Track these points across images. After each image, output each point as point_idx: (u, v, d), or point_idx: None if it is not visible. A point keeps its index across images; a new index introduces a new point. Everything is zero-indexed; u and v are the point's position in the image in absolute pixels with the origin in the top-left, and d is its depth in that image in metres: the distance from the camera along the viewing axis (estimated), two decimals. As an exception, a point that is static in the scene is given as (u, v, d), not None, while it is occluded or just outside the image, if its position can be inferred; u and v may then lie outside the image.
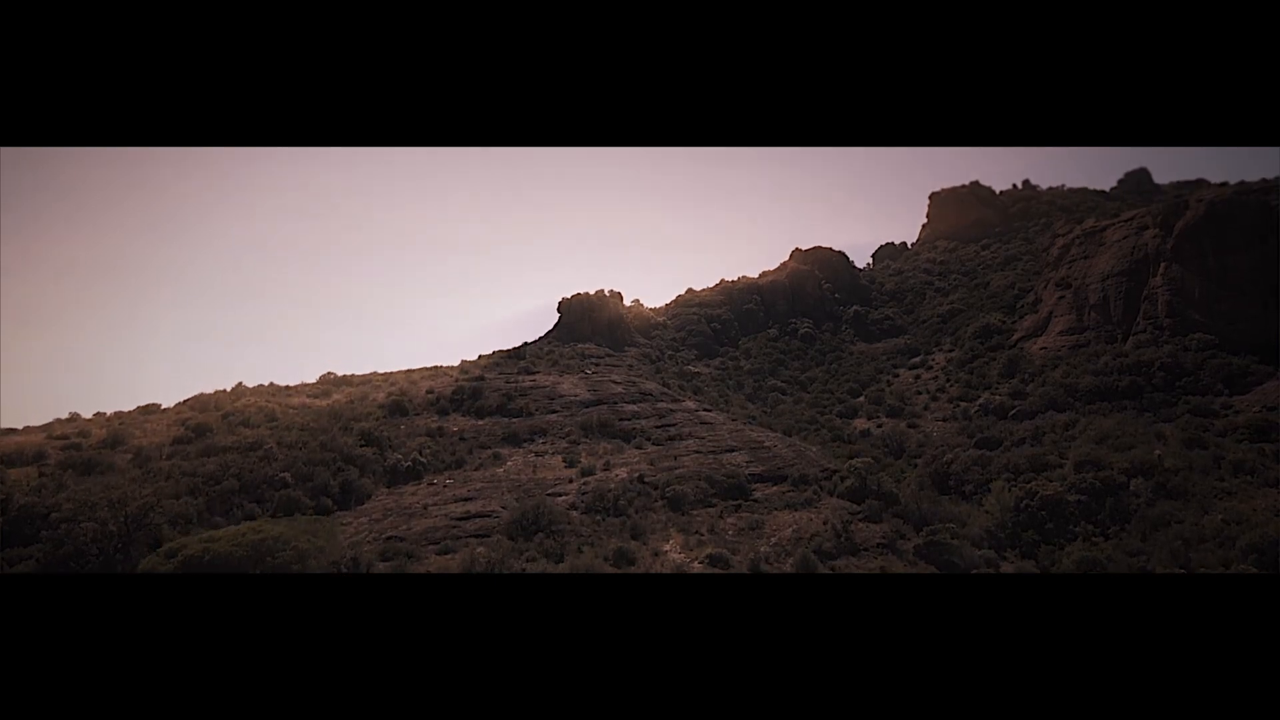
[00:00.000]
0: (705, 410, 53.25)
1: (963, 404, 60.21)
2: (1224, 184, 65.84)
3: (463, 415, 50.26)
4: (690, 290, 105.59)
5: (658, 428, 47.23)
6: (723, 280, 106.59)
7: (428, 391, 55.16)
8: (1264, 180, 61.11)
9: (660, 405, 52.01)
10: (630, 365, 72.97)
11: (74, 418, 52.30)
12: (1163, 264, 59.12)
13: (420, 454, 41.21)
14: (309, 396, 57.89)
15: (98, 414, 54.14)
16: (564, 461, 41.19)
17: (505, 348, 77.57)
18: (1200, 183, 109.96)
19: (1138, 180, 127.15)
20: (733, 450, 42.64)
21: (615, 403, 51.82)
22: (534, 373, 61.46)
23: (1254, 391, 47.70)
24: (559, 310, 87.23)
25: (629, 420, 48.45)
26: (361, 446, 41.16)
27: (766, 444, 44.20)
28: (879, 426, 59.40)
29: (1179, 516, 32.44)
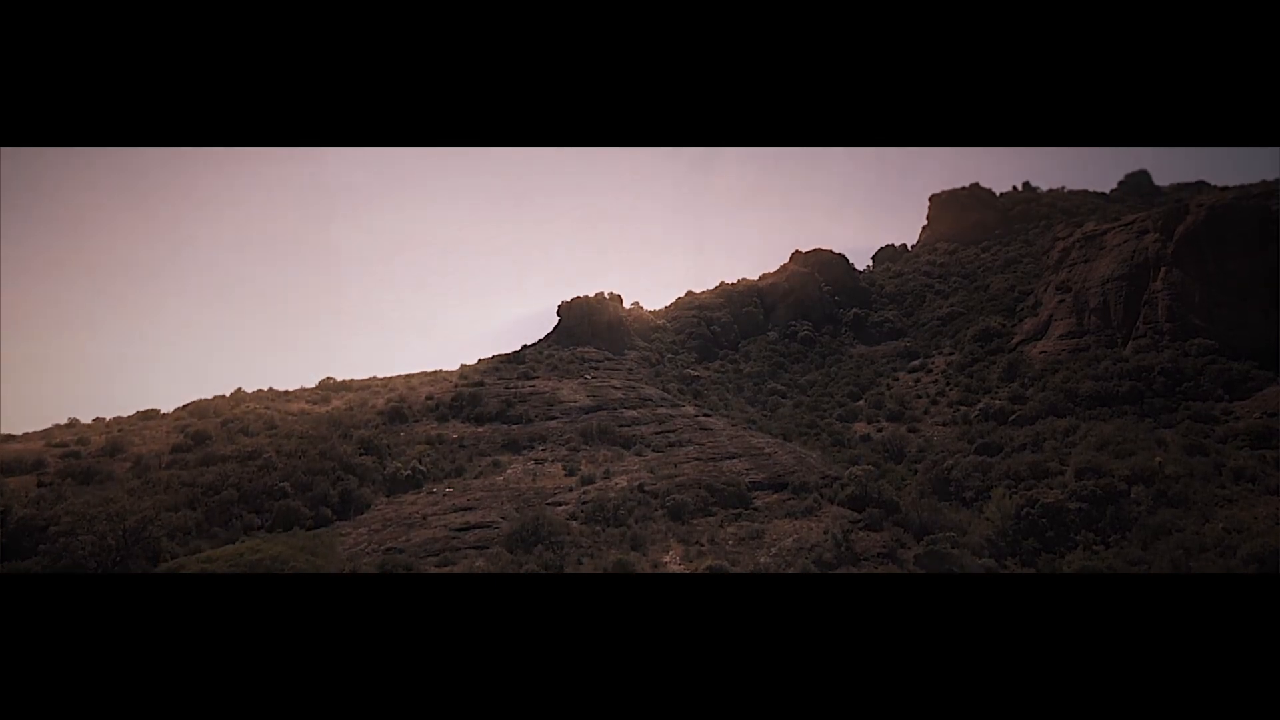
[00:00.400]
0: (705, 415, 53.20)
1: (963, 408, 60.10)
2: (1224, 188, 65.89)
3: (462, 422, 50.23)
4: (690, 293, 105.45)
5: (658, 434, 47.19)
6: (722, 283, 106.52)
7: (427, 398, 55.11)
8: (1264, 183, 61.01)
9: (660, 411, 51.96)
10: (630, 369, 72.88)
11: (73, 423, 52.26)
12: (1163, 268, 59.05)
13: (420, 462, 41.15)
14: (308, 403, 57.85)
15: (97, 419, 54.10)
16: (564, 469, 41.13)
17: (504, 351, 77.49)
18: (1201, 185, 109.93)
19: (1138, 182, 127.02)
20: (733, 457, 42.58)
21: (615, 409, 51.78)
22: (533, 378, 61.42)
23: (1254, 397, 47.64)
24: (558, 314, 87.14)
25: (629, 426, 48.41)
26: (361, 455, 41.11)
27: (766, 450, 44.15)
28: (879, 430, 59.27)
29: (1180, 525, 32.39)
